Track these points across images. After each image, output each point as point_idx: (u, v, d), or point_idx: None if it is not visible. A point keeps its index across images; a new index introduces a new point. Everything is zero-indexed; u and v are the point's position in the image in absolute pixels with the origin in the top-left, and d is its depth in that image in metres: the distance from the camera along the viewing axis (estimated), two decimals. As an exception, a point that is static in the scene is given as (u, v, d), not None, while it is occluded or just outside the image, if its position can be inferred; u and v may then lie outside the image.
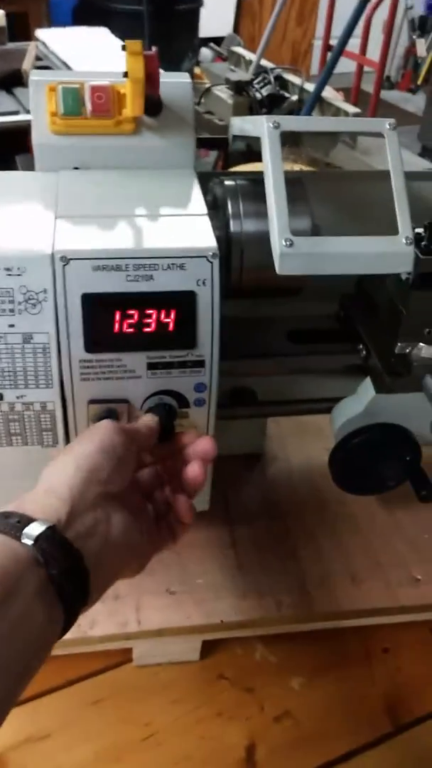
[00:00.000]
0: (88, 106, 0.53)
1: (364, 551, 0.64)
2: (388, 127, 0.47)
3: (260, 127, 0.47)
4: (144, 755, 0.53)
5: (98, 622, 0.57)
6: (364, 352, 0.58)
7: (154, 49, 0.51)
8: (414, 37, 3.28)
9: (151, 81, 0.52)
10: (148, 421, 0.49)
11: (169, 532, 0.48)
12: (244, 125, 0.54)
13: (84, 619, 0.56)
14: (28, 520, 0.37)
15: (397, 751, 0.55)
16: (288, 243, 0.44)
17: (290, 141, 1.18)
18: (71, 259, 0.46)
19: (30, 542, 0.36)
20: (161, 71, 0.54)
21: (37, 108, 0.55)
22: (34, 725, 0.55)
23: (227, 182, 0.54)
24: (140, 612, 0.58)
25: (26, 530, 0.37)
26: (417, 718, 0.57)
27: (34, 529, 0.37)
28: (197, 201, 0.53)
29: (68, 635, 0.55)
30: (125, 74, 0.51)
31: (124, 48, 0.50)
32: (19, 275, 0.46)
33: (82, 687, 0.57)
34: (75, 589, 0.37)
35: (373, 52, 2.29)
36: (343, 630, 0.61)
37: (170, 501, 0.49)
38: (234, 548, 0.63)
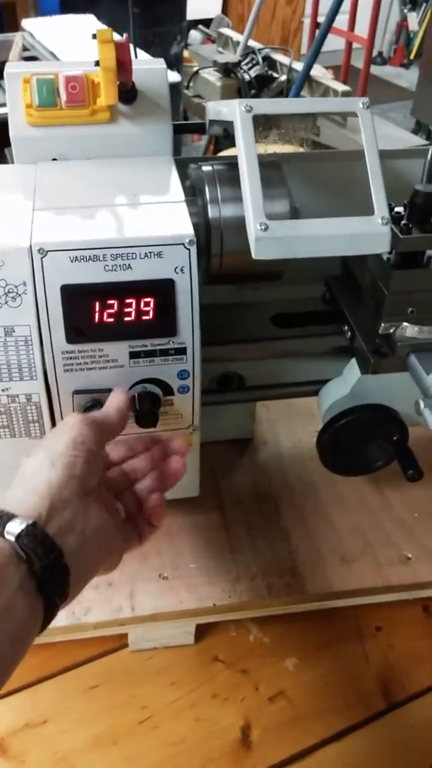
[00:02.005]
0: (63, 96, 0.53)
1: (354, 531, 0.64)
2: (361, 106, 0.47)
3: (233, 111, 0.47)
4: (141, 738, 0.54)
5: (92, 609, 0.57)
6: (349, 334, 0.58)
7: (125, 35, 0.51)
8: (405, 11, 3.25)
9: (123, 68, 0.51)
10: (116, 401, 0.48)
11: (135, 532, 0.48)
12: (219, 109, 0.54)
13: (78, 606, 0.57)
14: (9, 517, 0.38)
15: (390, 727, 0.56)
16: (263, 227, 0.44)
17: (276, 123, 1.18)
18: (49, 251, 0.46)
19: (12, 538, 0.37)
20: (141, 57, 0.54)
21: (13, 100, 0.55)
22: (32, 711, 0.56)
23: (205, 168, 0.54)
24: (134, 598, 0.58)
25: (8, 526, 0.37)
26: (410, 695, 0.57)
27: (16, 526, 0.37)
28: (175, 188, 0.52)
29: (63, 622, 0.56)
30: (97, 63, 0.50)
31: (94, 36, 0.50)
32: (-3, 269, 0.46)
33: (78, 673, 0.58)
34: (55, 584, 0.38)
35: (363, 28, 2.26)
36: (336, 610, 0.61)
37: (141, 500, 0.49)
38: (225, 532, 0.64)
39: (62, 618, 0.56)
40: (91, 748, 0.54)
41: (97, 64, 0.50)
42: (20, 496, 0.40)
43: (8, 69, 0.55)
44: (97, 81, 0.53)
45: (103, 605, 0.58)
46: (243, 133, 0.46)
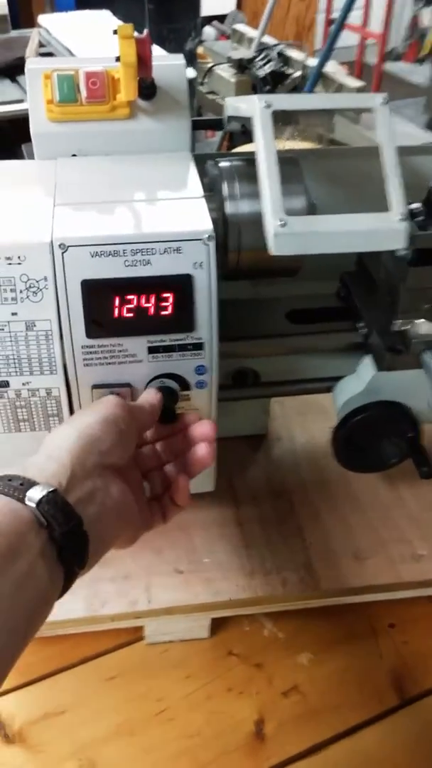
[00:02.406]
0: (83, 92, 0.54)
1: (368, 528, 0.64)
2: (379, 102, 0.47)
3: (252, 107, 0.47)
4: (156, 729, 0.55)
5: (109, 602, 0.58)
6: (364, 330, 0.58)
7: (145, 31, 0.51)
8: (418, 7, 3.22)
9: (143, 64, 0.52)
10: (149, 397, 0.49)
11: (160, 511, 0.49)
12: (238, 105, 0.54)
13: (96, 599, 0.58)
14: (31, 484, 0.38)
15: (404, 723, 0.56)
16: (281, 223, 0.44)
17: (294, 119, 1.18)
18: (70, 246, 0.46)
19: (33, 504, 0.37)
20: (157, 53, 0.54)
21: (34, 96, 0.55)
22: (51, 701, 0.56)
23: (223, 164, 0.54)
24: (150, 591, 0.59)
25: (29, 493, 0.38)
26: (423, 691, 0.58)
27: (37, 492, 0.38)
28: (193, 184, 0.53)
29: (81, 614, 0.57)
30: (118, 58, 0.51)
31: (115, 32, 0.50)
32: (19, 264, 0.46)
33: (95, 664, 0.59)
34: (75, 551, 0.39)
35: (376, 25, 2.25)
36: (349, 606, 0.62)
37: (168, 481, 0.50)
38: (240, 527, 0.64)
39: (80, 610, 0.57)
40: (108, 738, 0.54)
41: (117, 59, 0.51)
42: (42, 464, 0.41)
43: (29, 65, 0.55)
44: (117, 77, 0.53)
45: (120, 598, 0.58)
46: (262, 128, 0.46)
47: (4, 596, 0.34)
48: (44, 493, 0.38)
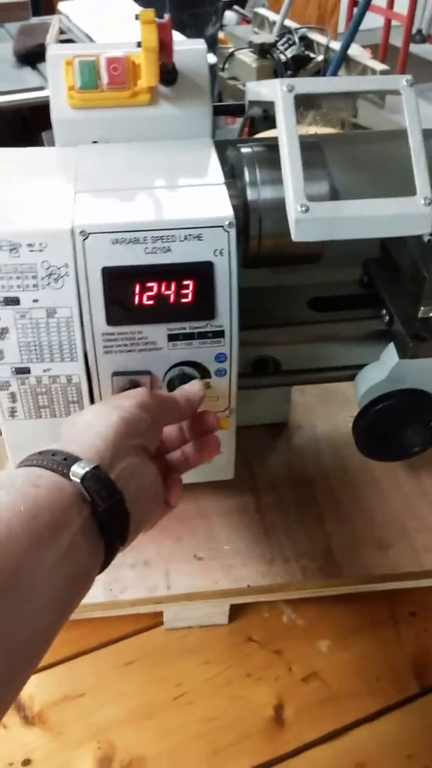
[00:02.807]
0: (104, 78, 0.53)
1: (390, 517, 0.64)
2: (405, 83, 0.46)
3: (274, 91, 0.46)
4: (175, 713, 0.55)
5: (129, 587, 0.58)
6: (387, 318, 0.57)
7: (167, 16, 0.51)
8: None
9: (165, 49, 0.51)
10: (191, 394, 0.49)
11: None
12: (259, 90, 0.53)
13: (116, 584, 0.58)
14: (74, 459, 0.39)
15: (423, 711, 0.56)
16: (303, 209, 0.44)
17: (316, 104, 1.16)
18: (90, 233, 0.46)
19: (77, 480, 0.38)
20: (178, 39, 0.54)
21: (56, 83, 0.55)
22: (71, 684, 0.57)
23: (244, 150, 0.53)
24: (169, 577, 0.59)
25: (73, 468, 0.38)
26: (444, 679, 0.57)
27: (81, 468, 0.38)
28: (214, 170, 0.52)
29: (101, 599, 0.57)
30: (139, 44, 0.50)
31: (137, 17, 0.50)
32: (40, 251, 0.47)
33: (114, 649, 0.59)
34: (117, 527, 0.39)
35: (402, 5, 2.20)
36: (370, 594, 0.61)
37: (170, 470, 0.50)
38: (260, 514, 0.64)
39: (100, 595, 0.58)
40: (127, 721, 0.55)
41: (138, 45, 0.50)
42: (83, 439, 0.41)
43: (50, 51, 0.55)
44: (138, 62, 0.53)
45: (140, 584, 0.59)
46: (284, 113, 0.46)
47: (49, 568, 0.35)
48: (88, 468, 0.38)
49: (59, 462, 0.38)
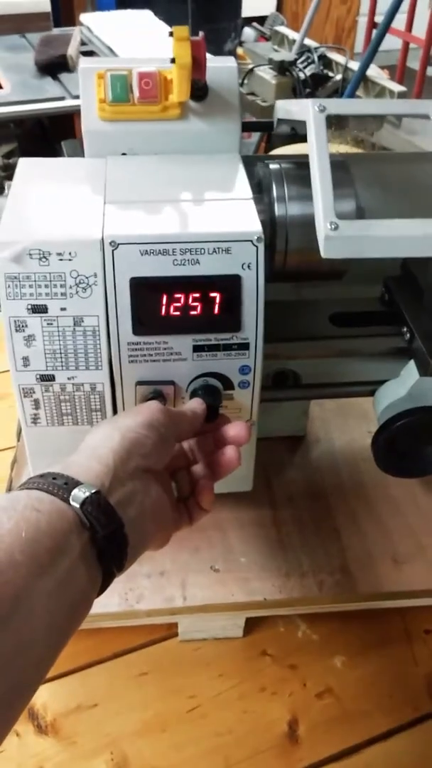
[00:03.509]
0: (136, 92, 0.54)
1: (406, 533, 0.64)
2: (435, 108, 0.47)
3: (306, 110, 0.47)
4: (188, 726, 0.55)
5: (145, 597, 0.58)
6: (408, 335, 0.58)
7: (201, 34, 0.52)
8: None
9: (198, 66, 0.52)
10: (195, 406, 0.50)
11: (186, 512, 0.49)
12: (289, 108, 0.54)
13: (131, 594, 0.58)
14: (75, 483, 0.39)
15: (438, 730, 0.56)
16: (333, 226, 0.44)
17: (335, 122, 1.17)
18: (120, 243, 0.47)
19: (77, 505, 0.38)
20: (208, 56, 0.54)
21: (87, 95, 0.56)
22: (84, 694, 0.57)
23: (272, 166, 0.54)
24: (185, 588, 0.59)
25: (74, 492, 0.38)
26: (459, 699, 0.57)
27: (81, 492, 0.38)
28: (242, 185, 0.53)
29: (116, 608, 0.57)
30: (172, 60, 0.51)
31: (171, 34, 0.50)
32: (70, 260, 0.47)
33: (129, 659, 0.59)
34: (115, 553, 0.39)
35: (420, 28, 2.22)
36: (385, 610, 0.61)
37: (195, 481, 0.50)
38: (276, 528, 0.64)
39: (115, 604, 0.58)
40: (140, 733, 0.55)
41: (172, 61, 0.51)
42: (85, 463, 0.41)
43: (83, 64, 0.56)
44: (170, 78, 0.53)
45: (156, 594, 0.59)
46: (316, 132, 0.46)
47: (48, 594, 0.35)
48: (88, 494, 0.38)
49: (60, 486, 0.38)
